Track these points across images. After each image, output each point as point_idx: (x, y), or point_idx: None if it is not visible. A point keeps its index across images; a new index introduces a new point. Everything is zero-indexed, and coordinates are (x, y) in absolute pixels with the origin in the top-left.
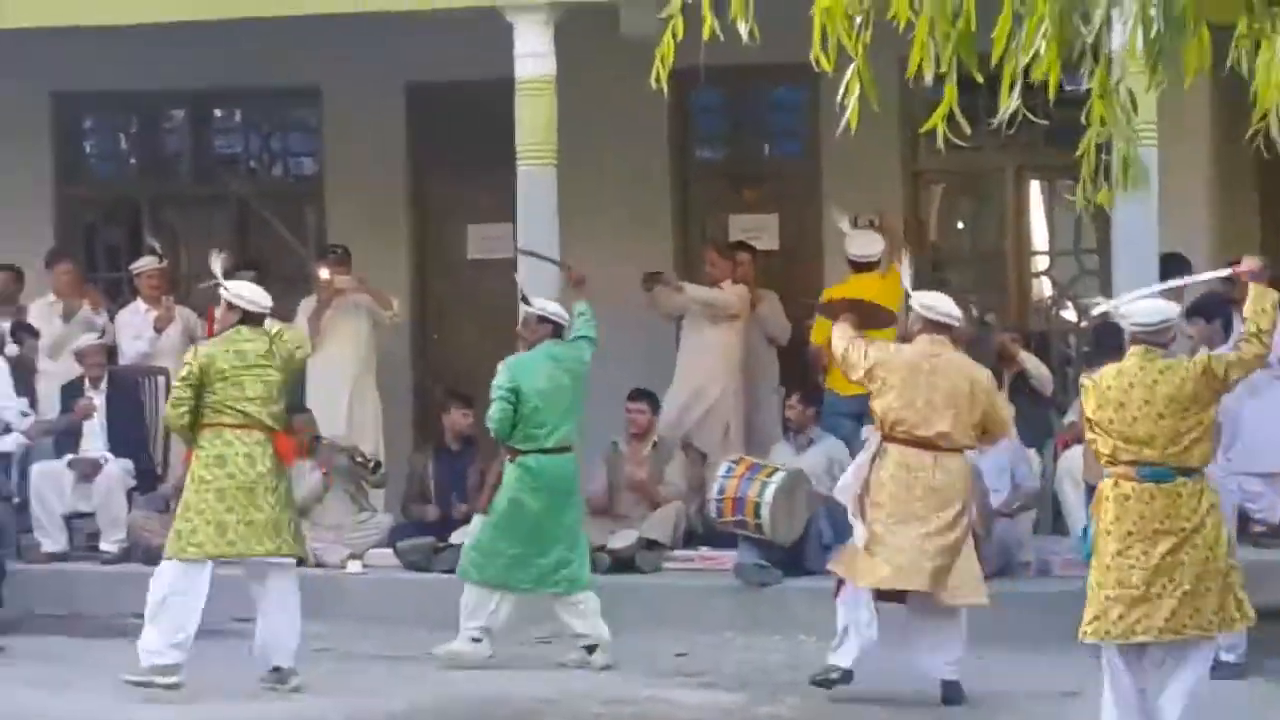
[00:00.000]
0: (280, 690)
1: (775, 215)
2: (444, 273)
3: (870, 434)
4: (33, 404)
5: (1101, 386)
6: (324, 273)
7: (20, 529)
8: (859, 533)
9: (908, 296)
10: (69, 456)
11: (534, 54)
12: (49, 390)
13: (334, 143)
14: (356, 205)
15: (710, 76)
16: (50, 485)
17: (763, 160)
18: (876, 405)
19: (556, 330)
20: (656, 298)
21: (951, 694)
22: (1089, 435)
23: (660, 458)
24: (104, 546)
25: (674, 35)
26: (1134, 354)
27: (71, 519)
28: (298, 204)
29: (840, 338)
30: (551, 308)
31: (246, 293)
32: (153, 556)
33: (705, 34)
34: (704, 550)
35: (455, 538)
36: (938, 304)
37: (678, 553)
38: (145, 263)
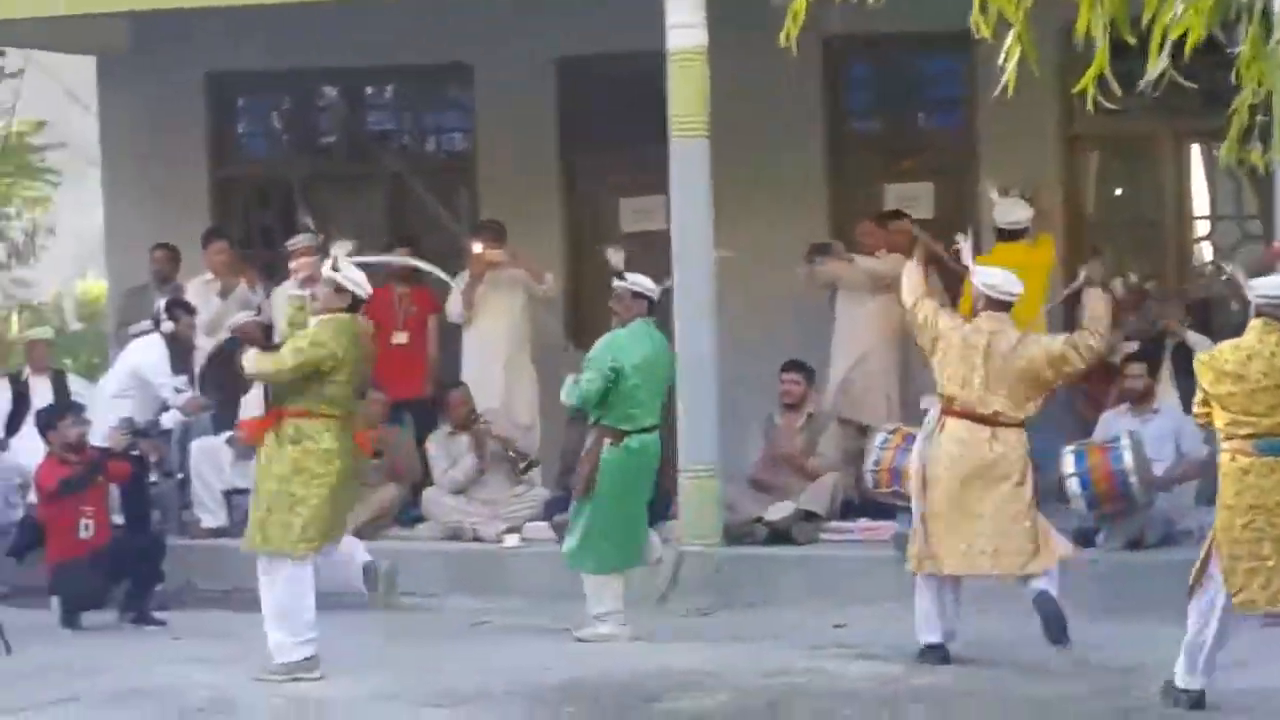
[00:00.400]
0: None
1: (930, 185)
2: (597, 245)
3: (931, 406)
4: (191, 381)
5: (1219, 361)
6: (476, 247)
7: (180, 505)
8: (917, 514)
9: (969, 273)
10: (227, 433)
11: (685, 25)
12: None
13: (486, 118)
14: (509, 180)
15: (864, 47)
16: (209, 461)
17: (917, 130)
18: (938, 377)
19: (650, 306)
20: (821, 269)
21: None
22: (1200, 410)
23: (815, 429)
24: None
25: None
26: (1254, 327)
27: (231, 494)
28: (450, 180)
29: (910, 290)
30: (646, 282)
31: (359, 277)
32: None
33: None
34: (862, 521)
35: None
36: (1000, 281)
37: (835, 524)
38: (299, 240)
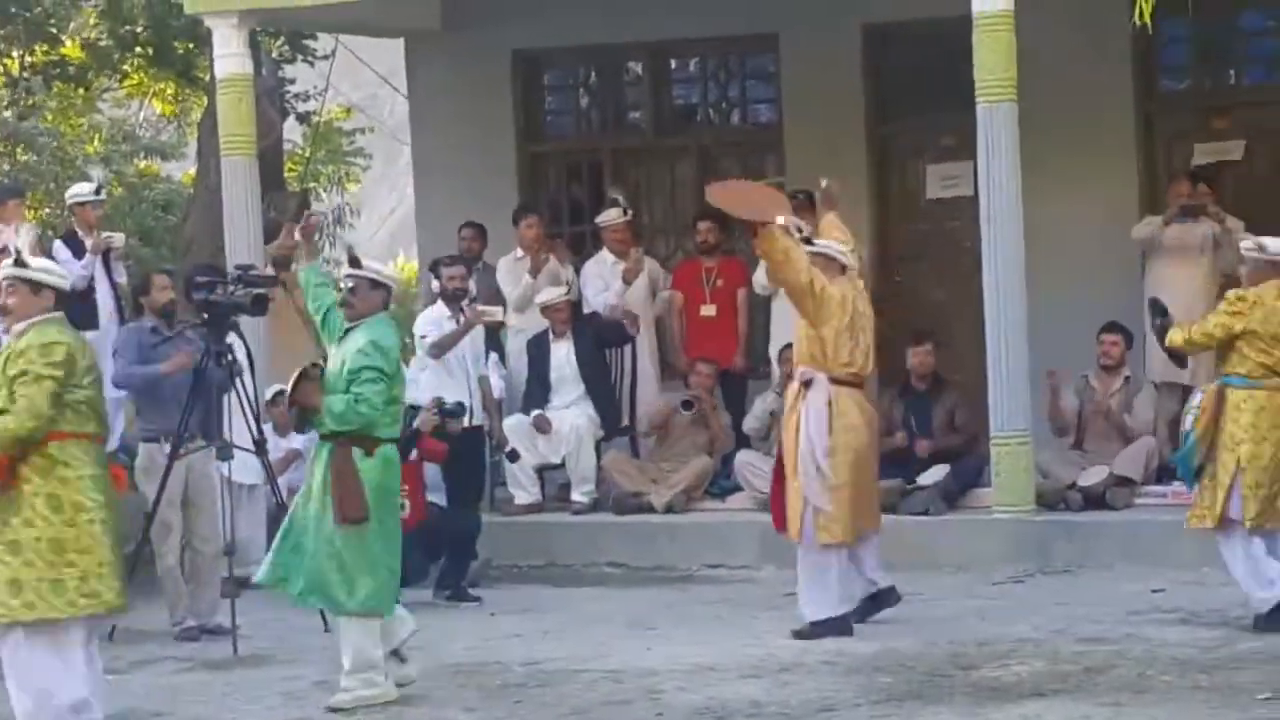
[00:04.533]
0: None
1: (1242, 141)
2: (904, 214)
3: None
4: (502, 358)
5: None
6: (779, 219)
7: (495, 482)
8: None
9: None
10: (535, 412)
11: None
12: (518, 346)
13: (792, 88)
14: (816, 150)
15: (1177, 3)
16: (521, 438)
17: (1231, 88)
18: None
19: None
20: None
21: None
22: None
23: (1131, 391)
24: (575, 497)
25: None
26: None
27: (543, 470)
28: (758, 151)
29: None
30: (387, 271)
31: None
32: (623, 502)
33: None
34: (1176, 485)
35: (923, 479)
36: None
37: (1150, 488)
38: (610, 215)
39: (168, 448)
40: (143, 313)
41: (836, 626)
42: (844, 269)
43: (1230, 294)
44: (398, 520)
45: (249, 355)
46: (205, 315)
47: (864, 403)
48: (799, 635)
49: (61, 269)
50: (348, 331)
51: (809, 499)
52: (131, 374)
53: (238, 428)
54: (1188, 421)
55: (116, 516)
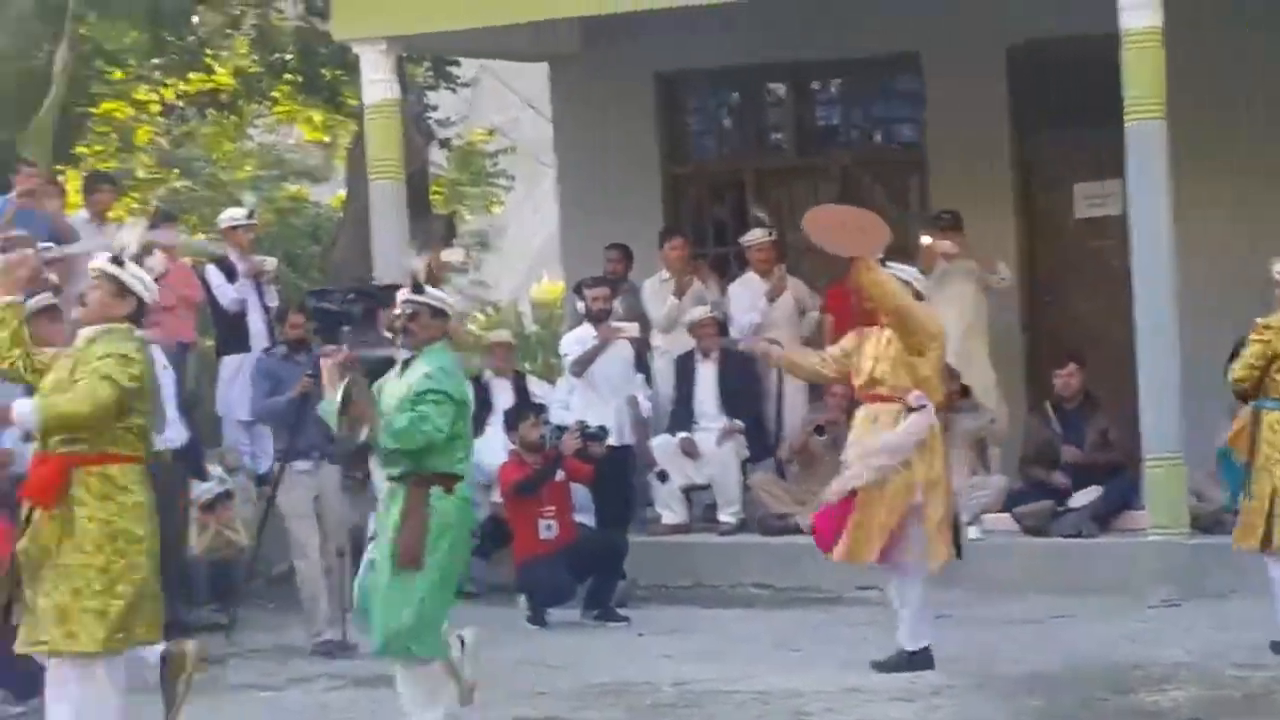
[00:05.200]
0: None
1: None
2: (1052, 234)
3: None
4: (648, 379)
5: None
6: (925, 239)
7: (642, 502)
8: None
9: None
10: (682, 435)
11: (1140, 5)
12: (664, 366)
13: (935, 108)
14: (960, 170)
15: None
16: (668, 459)
17: None
18: None
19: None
20: None
21: None
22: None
23: None
24: (722, 518)
25: None
26: None
27: (690, 491)
28: (901, 172)
29: None
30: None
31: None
32: (769, 523)
33: None
34: None
35: (1074, 501)
36: None
37: None
38: (755, 235)
39: (305, 464)
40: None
41: (925, 659)
42: (919, 296)
43: (1258, 322)
44: (460, 564)
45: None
46: (316, 324)
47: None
48: (882, 668)
49: (151, 282)
50: (406, 362)
51: (832, 487)
52: (262, 408)
53: None
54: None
55: (158, 543)
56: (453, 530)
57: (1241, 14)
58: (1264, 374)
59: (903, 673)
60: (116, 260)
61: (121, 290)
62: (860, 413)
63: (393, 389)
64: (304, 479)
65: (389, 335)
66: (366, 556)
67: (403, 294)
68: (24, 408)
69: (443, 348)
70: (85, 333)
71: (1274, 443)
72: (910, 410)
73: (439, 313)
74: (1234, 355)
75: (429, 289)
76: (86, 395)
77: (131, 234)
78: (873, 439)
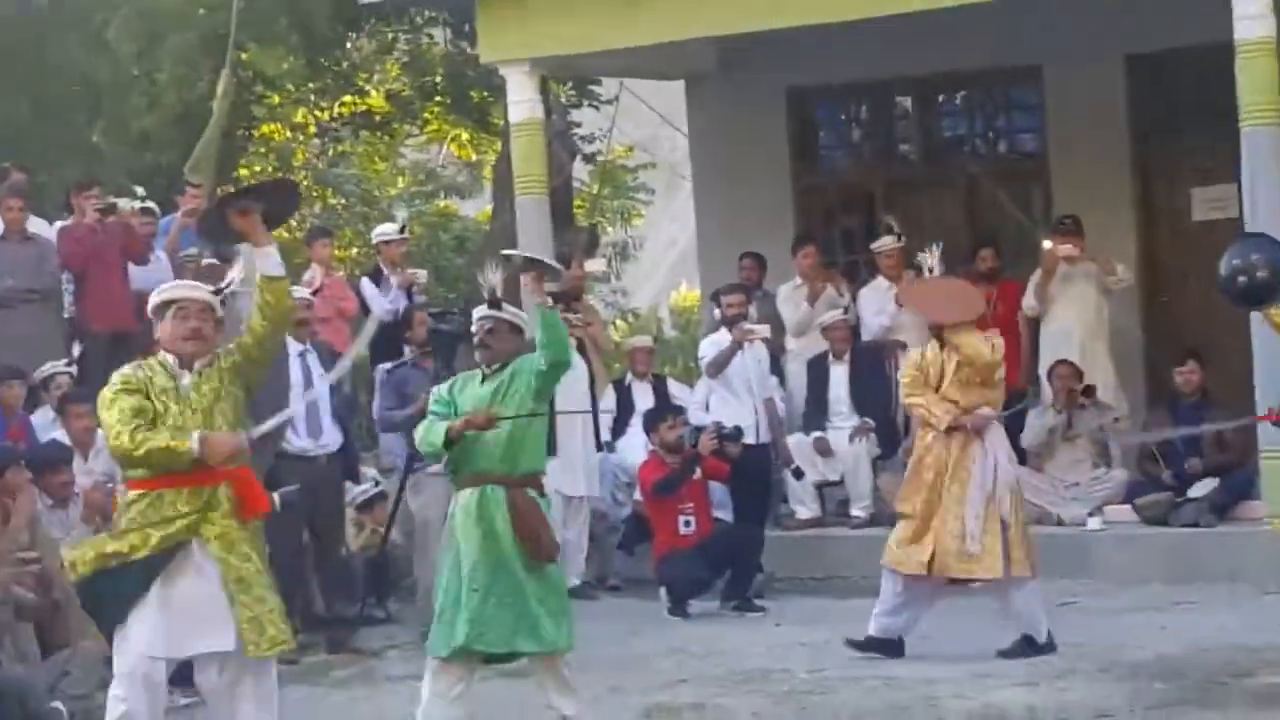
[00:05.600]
0: None
1: None
2: (1170, 236)
3: None
4: (782, 380)
5: None
6: (1047, 244)
7: (778, 498)
8: None
9: None
10: (816, 434)
11: (1252, 16)
12: (797, 368)
13: (1056, 118)
14: (1080, 176)
15: None
16: (802, 457)
17: None
18: None
19: None
20: None
21: None
22: None
23: None
24: (853, 512)
25: None
26: None
27: (822, 487)
28: (1023, 180)
29: None
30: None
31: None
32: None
33: None
34: None
35: (1194, 491)
36: None
37: None
38: (885, 242)
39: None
40: (404, 350)
41: (1049, 645)
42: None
43: None
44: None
45: None
46: (433, 345)
47: None
48: (1007, 654)
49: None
50: (485, 377)
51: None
52: (384, 418)
53: None
54: None
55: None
56: None
57: None
58: None
59: (1028, 658)
60: (217, 292)
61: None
62: None
63: (471, 395)
64: (433, 481)
65: None
66: (446, 570)
67: (480, 310)
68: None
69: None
70: (200, 363)
71: None
72: (978, 434)
73: (516, 329)
74: None
75: (506, 305)
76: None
77: (239, 269)
78: None
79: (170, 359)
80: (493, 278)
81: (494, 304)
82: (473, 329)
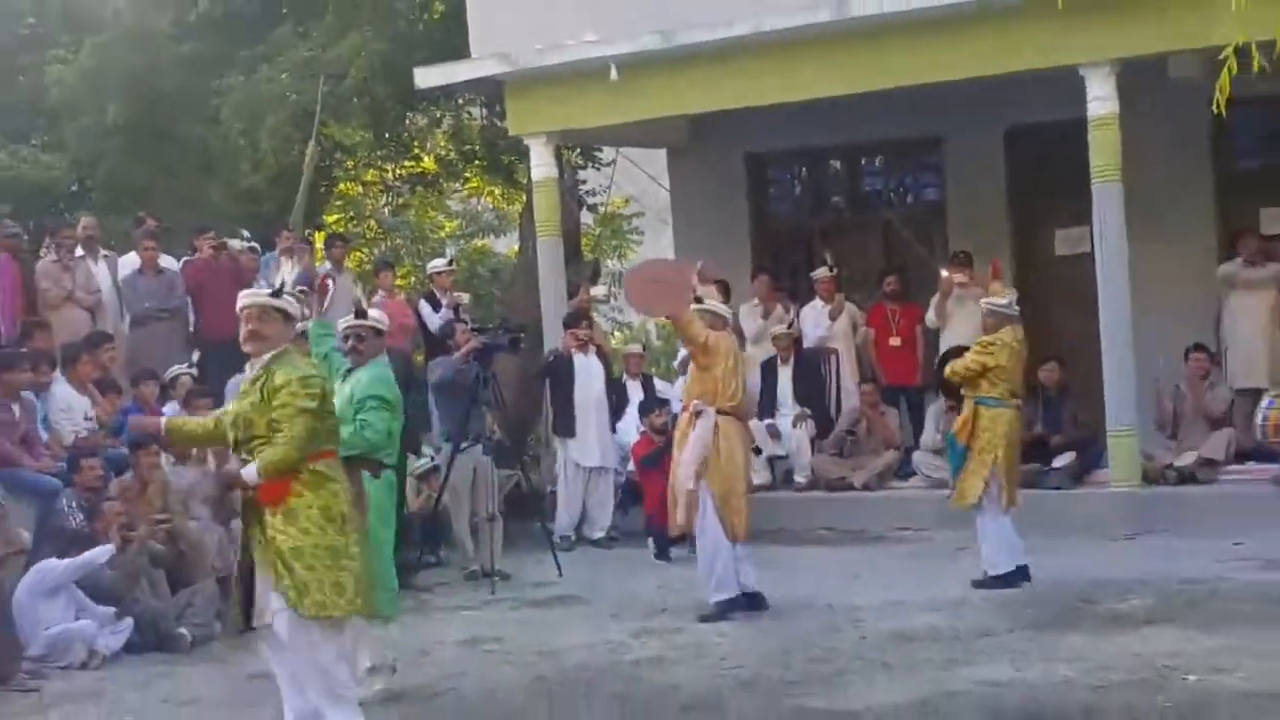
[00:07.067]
0: None
1: None
2: (1037, 266)
3: None
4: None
5: None
6: (943, 272)
7: None
8: None
9: None
10: (768, 421)
11: (1101, 98)
12: (754, 368)
13: (952, 176)
14: (971, 221)
15: (1250, 105)
16: (759, 437)
17: None
18: None
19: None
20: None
21: None
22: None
23: (1214, 394)
24: (796, 479)
25: (1230, 73)
26: None
27: (773, 460)
28: (927, 224)
29: None
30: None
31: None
32: (831, 484)
33: (1255, 68)
34: (1250, 465)
35: (1056, 463)
36: None
37: (1230, 467)
38: (820, 272)
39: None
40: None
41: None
42: (726, 322)
43: (982, 339)
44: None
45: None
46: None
47: (743, 428)
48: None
49: (296, 303)
50: (349, 371)
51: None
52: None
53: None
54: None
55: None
56: (375, 509)
57: (1171, 99)
58: (980, 377)
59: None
60: (275, 293)
61: (286, 317)
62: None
63: (338, 392)
64: (464, 460)
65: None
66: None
67: (347, 320)
68: (250, 472)
69: (383, 361)
70: (263, 359)
71: (993, 430)
72: (695, 415)
73: (379, 333)
74: (943, 361)
75: (372, 313)
76: (288, 442)
77: (286, 271)
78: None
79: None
80: (359, 294)
81: (360, 314)
82: (342, 335)
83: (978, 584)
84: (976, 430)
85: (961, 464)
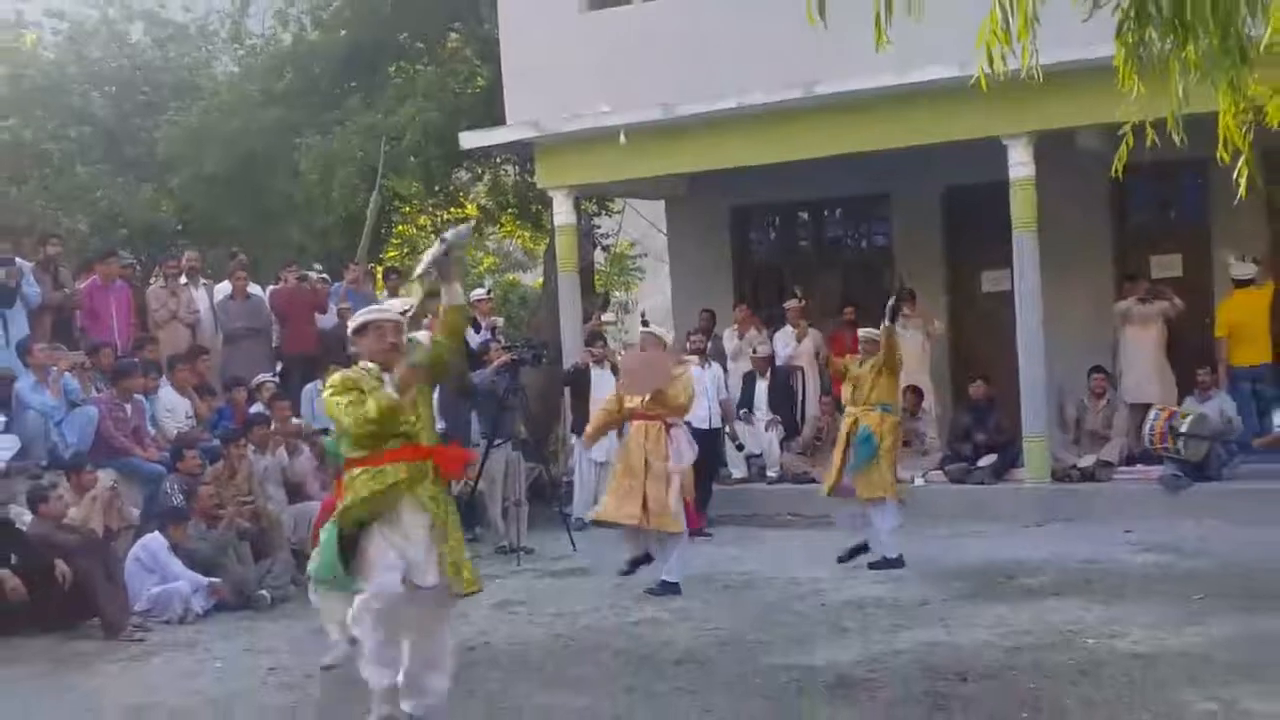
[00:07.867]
0: None
1: (1179, 256)
2: (967, 302)
3: None
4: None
5: None
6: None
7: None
8: None
9: None
10: (743, 410)
11: (1020, 163)
12: (735, 383)
13: (899, 227)
14: (914, 263)
15: (1146, 168)
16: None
17: (1171, 222)
18: None
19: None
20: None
21: None
22: None
23: (1110, 408)
24: (768, 474)
25: (1128, 145)
26: None
27: (750, 458)
28: (878, 265)
29: None
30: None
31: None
32: (797, 478)
33: (1149, 142)
34: (1139, 467)
35: (981, 463)
36: None
37: (1123, 469)
38: (791, 303)
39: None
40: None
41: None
42: (665, 345)
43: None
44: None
45: (524, 392)
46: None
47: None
48: (874, 566)
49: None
50: None
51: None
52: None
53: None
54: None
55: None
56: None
57: (1077, 166)
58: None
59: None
60: (404, 313)
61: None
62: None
63: None
64: (497, 453)
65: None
66: None
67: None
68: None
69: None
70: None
71: (894, 433)
72: (667, 427)
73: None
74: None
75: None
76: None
77: (401, 303)
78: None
79: (373, 365)
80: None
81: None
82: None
83: (873, 565)
84: (881, 432)
85: (870, 460)
